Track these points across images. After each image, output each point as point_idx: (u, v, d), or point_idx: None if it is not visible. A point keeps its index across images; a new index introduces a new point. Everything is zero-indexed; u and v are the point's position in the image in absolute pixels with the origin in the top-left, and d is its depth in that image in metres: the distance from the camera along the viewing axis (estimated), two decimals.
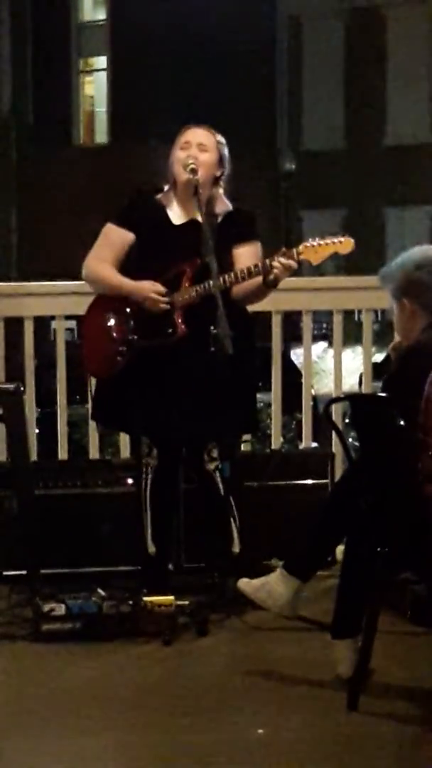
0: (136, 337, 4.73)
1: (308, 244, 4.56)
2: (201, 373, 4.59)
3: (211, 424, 4.69)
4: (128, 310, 4.75)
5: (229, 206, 4.82)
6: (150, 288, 4.68)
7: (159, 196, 4.82)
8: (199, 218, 4.67)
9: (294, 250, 4.54)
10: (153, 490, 4.81)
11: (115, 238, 4.83)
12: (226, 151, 4.80)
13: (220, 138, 4.81)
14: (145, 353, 4.71)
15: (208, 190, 4.75)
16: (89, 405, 5.07)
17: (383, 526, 3.82)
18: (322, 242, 4.56)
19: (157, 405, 4.70)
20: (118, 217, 4.86)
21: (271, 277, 4.54)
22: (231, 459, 4.89)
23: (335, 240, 4.57)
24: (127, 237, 4.82)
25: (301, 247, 4.55)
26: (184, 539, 5.15)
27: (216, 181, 4.79)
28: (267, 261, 4.55)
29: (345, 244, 4.57)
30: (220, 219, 4.79)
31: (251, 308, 4.94)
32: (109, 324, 4.79)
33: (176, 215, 4.80)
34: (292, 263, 4.52)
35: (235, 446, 5.15)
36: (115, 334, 4.78)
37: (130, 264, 4.82)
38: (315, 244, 4.56)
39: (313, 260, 4.57)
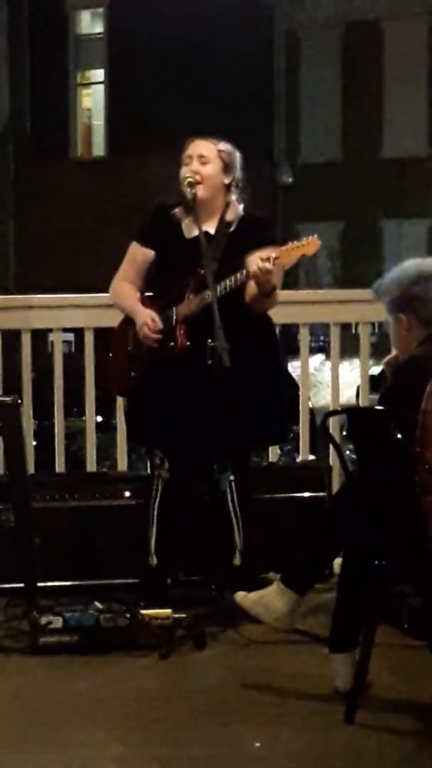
0: (145, 351, 4.79)
1: (283, 248, 4.60)
2: (206, 385, 4.59)
3: (220, 435, 4.68)
4: None
5: (240, 212, 4.83)
6: (145, 320, 4.72)
7: (176, 210, 4.85)
8: (211, 231, 4.74)
9: (270, 255, 4.56)
10: (162, 502, 4.83)
11: (138, 257, 4.91)
12: (234, 158, 4.83)
13: (223, 146, 4.82)
14: (157, 367, 4.74)
15: (222, 200, 4.80)
16: (86, 418, 5.06)
17: (380, 539, 3.82)
18: (292, 245, 4.59)
19: (167, 417, 4.72)
20: (139, 235, 4.94)
21: (253, 282, 4.57)
22: (244, 472, 4.90)
23: (303, 242, 4.59)
24: (149, 255, 4.89)
25: (276, 252, 4.57)
26: (181, 552, 5.14)
27: (227, 188, 4.81)
28: (248, 268, 4.58)
29: (311, 245, 4.60)
30: (234, 227, 4.81)
31: None
32: (128, 341, 4.87)
33: (188, 229, 4.82)
34: (267, 265, 4.53)
35: (247, 458, 5.12)
36: (131, 350, 4.85)
37: (149, 279, 4.87)
38: (288, 247, 4.58)
39: (286, 263, 4.60)
